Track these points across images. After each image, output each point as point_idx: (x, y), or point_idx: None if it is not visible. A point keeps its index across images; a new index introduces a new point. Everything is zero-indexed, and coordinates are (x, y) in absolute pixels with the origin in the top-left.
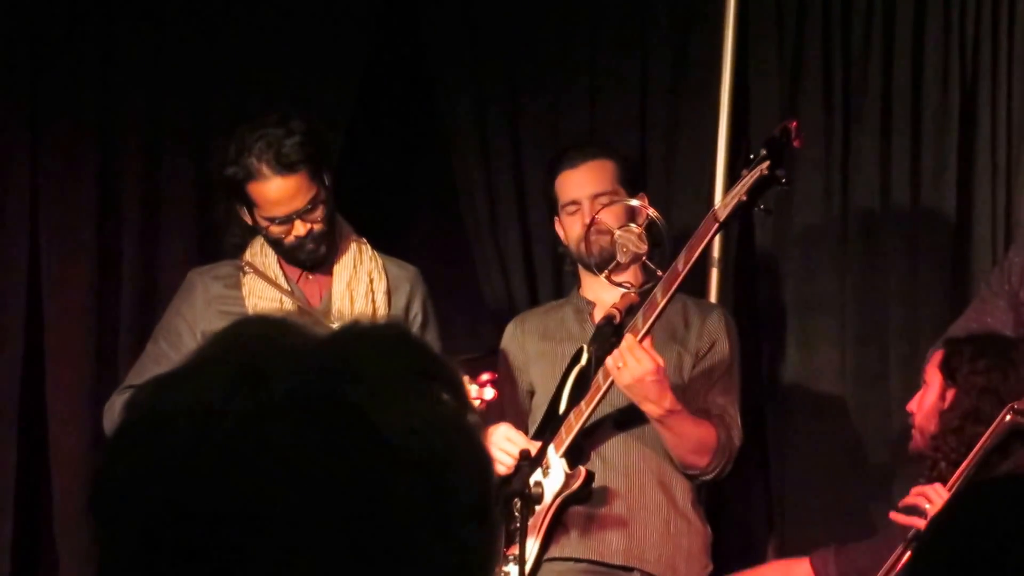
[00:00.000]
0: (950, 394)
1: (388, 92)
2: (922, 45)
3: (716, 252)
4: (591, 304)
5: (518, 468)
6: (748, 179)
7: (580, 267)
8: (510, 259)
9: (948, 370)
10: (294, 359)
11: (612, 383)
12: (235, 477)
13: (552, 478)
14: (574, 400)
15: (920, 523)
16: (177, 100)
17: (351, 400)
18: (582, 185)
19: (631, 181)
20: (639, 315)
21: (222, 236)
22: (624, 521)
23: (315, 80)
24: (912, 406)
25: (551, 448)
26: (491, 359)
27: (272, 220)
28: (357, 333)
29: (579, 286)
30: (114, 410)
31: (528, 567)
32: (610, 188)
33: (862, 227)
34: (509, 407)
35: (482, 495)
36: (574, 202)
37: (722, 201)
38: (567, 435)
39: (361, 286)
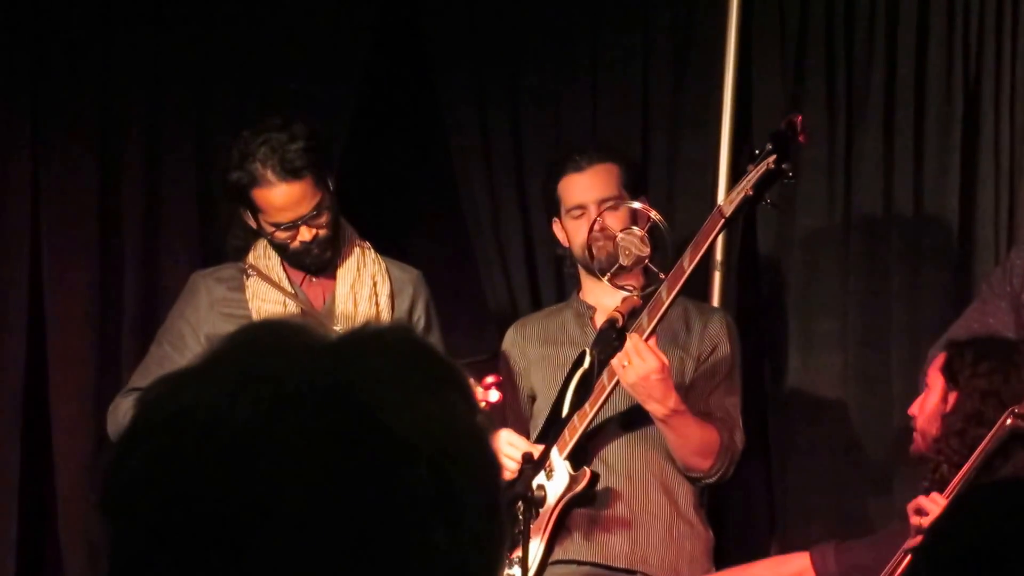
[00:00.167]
0: (952, 397)
1: (389, 94)
2: (925, 46)
3: (719, 254)
4: (592, 308)
5: (521, 471)
6: (754, 173)
7: (581, 270)
8: (512, 261)
9: (950, 373)
10: (303, 361)
11: (617, 383)
12: (245, 475)
13: (556, 480)
14: (576, 404)
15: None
16: (177, 100)
17: (360, 400)
18: (588, 190)
19: (634, 185)
20: (644, 314)
21: (224, 238)
22: (627, 524)
23: (316, 81)
24: (914, 409)
25: (555, 451)
26: (494, 362)
27: (277, 226)
28: (365, 336)
29: (579, 289)
30: (118, 412)
31: (533, 570)
32: (615, 193)
33: (864, 229)
34: (510, 412)
35: (491, 494)
36: (580, 206)
37: (727, 197)
38: (571, 438)
39: (364, 289)
